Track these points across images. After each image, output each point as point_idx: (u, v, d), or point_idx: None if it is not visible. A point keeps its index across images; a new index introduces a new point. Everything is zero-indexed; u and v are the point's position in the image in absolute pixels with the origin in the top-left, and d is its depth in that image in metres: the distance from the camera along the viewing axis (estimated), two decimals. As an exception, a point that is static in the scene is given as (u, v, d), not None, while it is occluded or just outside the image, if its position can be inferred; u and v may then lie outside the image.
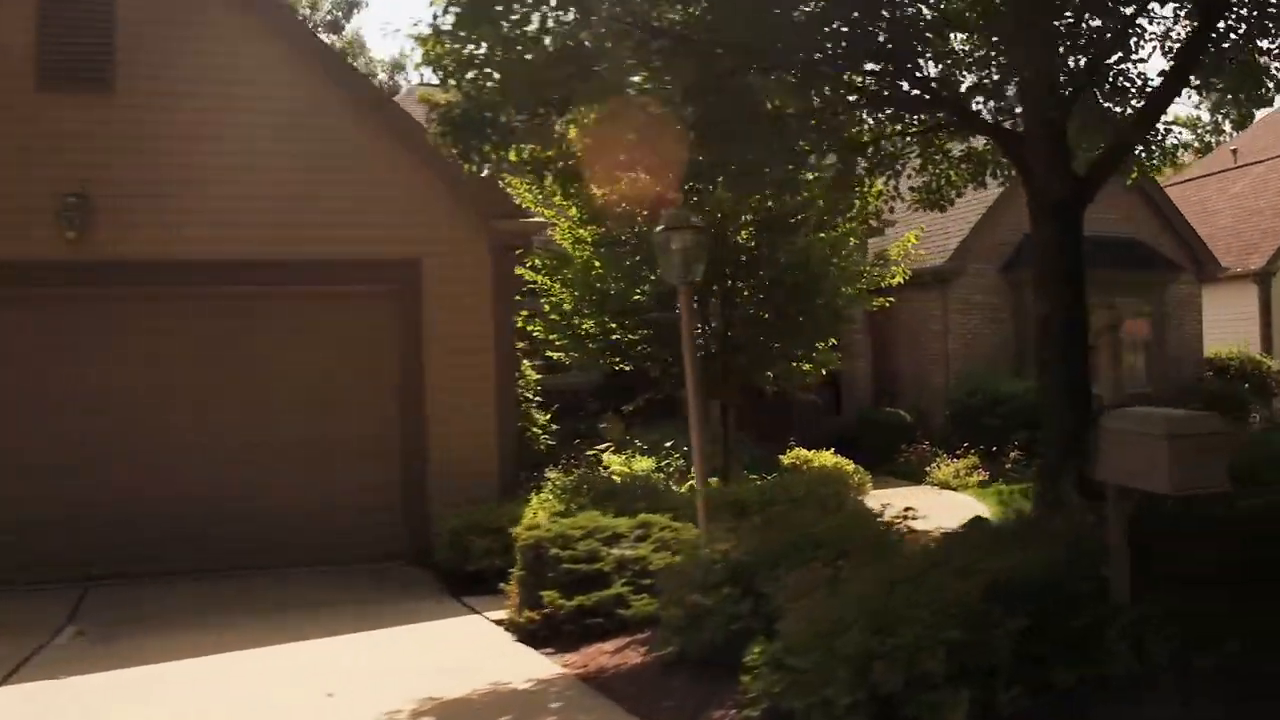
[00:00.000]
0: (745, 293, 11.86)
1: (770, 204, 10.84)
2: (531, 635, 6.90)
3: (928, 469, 15.23)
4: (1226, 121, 36.43)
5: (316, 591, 9.10)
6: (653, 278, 11.88)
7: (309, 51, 10.67)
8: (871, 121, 9.03)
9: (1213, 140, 37.28)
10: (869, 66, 7.53)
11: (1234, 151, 28.84)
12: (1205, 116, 51.20)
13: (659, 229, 7.12)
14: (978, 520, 7.84)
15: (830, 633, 4.36)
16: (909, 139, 9.16)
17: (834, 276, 11.61)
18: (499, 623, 7.47)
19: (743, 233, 11.61)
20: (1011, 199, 17.41)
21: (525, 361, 13.77)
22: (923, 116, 8.67)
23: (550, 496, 9.87)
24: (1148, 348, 18.32)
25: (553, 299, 12.38)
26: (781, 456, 15.02)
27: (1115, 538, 4.63)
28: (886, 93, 7.89)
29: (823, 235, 11.61)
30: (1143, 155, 9.40)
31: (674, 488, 13.78)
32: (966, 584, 4.42)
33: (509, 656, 6.73)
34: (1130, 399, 17.48)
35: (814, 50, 6.82)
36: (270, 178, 9.90)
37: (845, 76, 7.45)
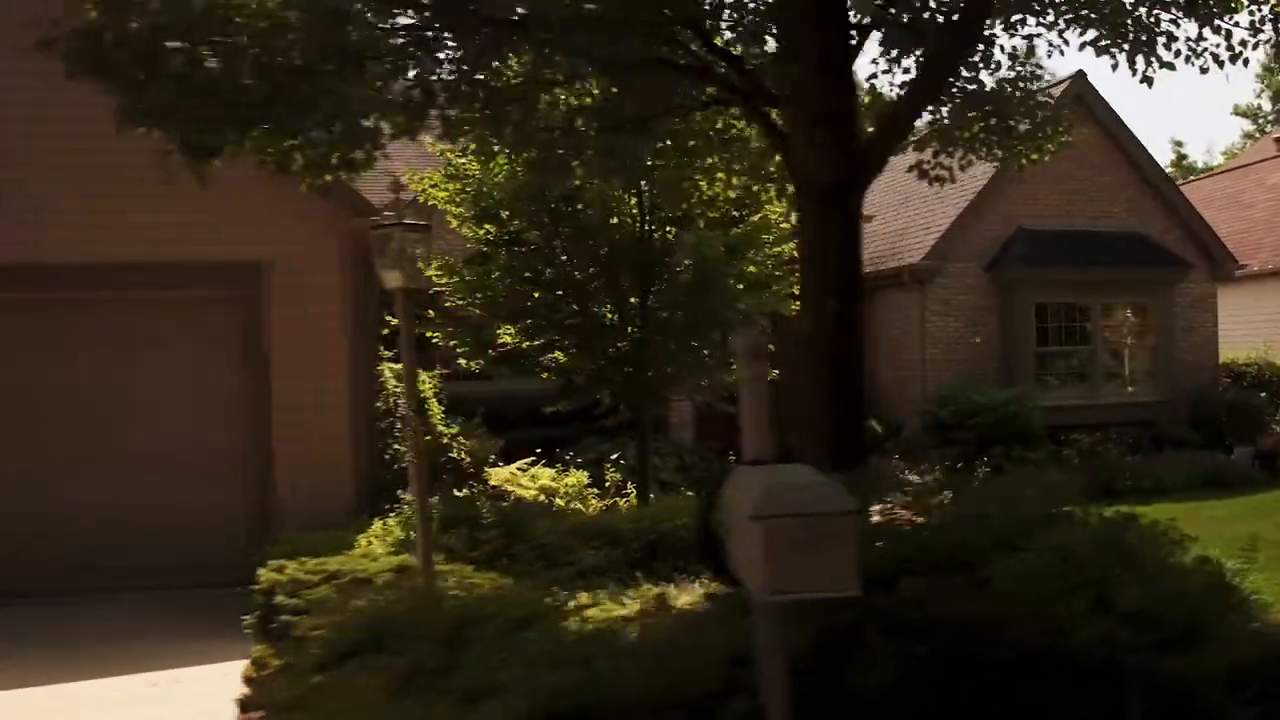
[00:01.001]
0: (652, 294, 10.65)
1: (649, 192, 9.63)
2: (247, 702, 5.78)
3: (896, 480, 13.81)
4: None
5: (134, 621, 8.31)
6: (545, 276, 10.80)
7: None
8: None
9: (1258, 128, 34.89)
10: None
11: (1278, 140, 26.81)
12: (1266, 105, 48.54)
13: (374, 226, 6.03)
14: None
15: None
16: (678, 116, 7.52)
17: (730, 280, 10.30)
18: (249, 680, 6.37)
19: (642, 228, 10.41)
20: (1000, 187, 15.98)
21: (432, 371, 12.83)
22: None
23: (393, 523, 8.80)
24: (1154, 354, 16.65)
25: (454, 301, 11.35)
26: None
27: (765, 649, 3.29)
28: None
29: (733, 232, 10.34)
30: (983, 130, 7.61)
31: (579, 506, 12.70)
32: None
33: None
34: (1119, 412, 15.94)
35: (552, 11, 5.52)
36: (87, 174, 8.94)
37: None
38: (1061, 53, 56.25)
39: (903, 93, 6.64)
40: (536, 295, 10.84)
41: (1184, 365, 17.00)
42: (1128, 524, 4.55)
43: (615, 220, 10.25)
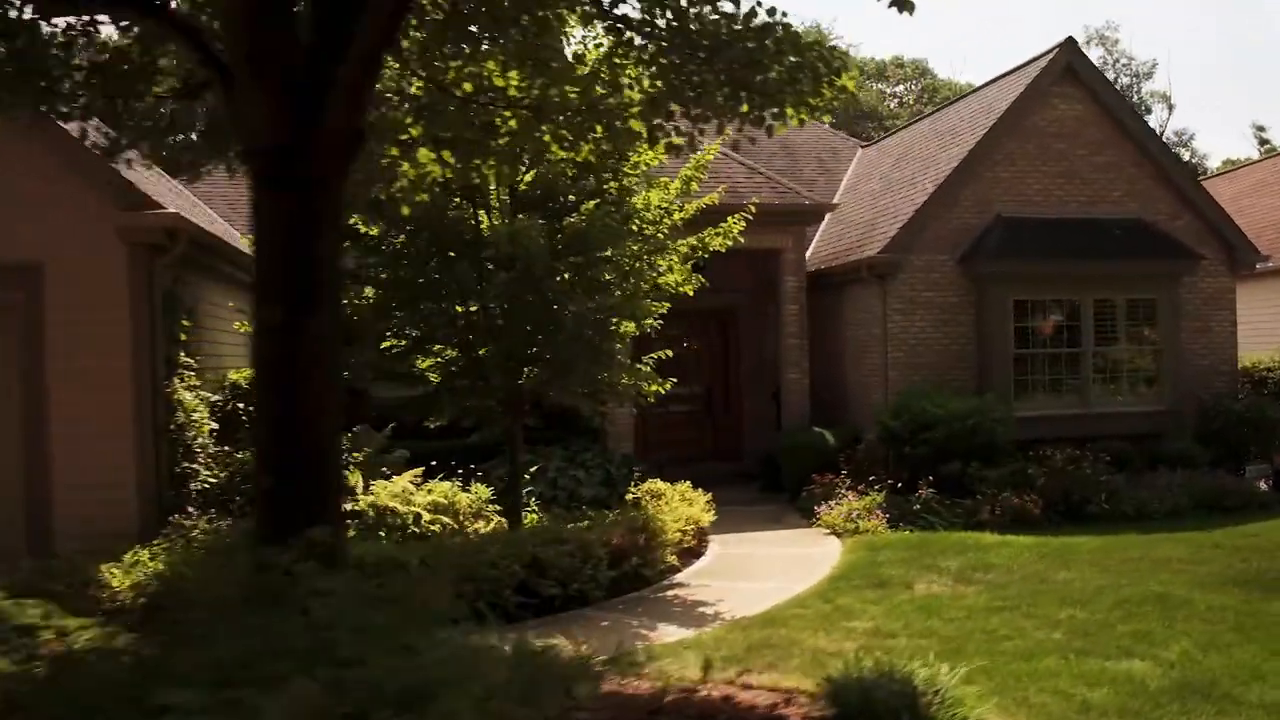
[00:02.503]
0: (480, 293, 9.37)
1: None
2: None
3: (829, 505, 12.26)
4: None
5: None
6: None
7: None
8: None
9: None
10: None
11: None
12: None
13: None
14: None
15: None
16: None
17: (564, 277, 8.93)
18: None
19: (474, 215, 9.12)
20: (975, 171, 14.29)
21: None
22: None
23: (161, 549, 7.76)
24: (1157, 357, 14.72)
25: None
26: (633, 489, 12.41)
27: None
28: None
29: (567, 221, 8.99)
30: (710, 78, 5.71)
31: (463, 525, 11.49)
32: None
33: None
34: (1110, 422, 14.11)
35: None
36: None
37: None
38: None
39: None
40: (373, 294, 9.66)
41: (1195, 370, 15.03)
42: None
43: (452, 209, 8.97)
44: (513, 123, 5.84)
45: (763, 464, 15.34)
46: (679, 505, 11.31)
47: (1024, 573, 8.93)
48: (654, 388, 10.99)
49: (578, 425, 15.31)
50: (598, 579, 8.89)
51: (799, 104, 5.35)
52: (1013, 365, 14.21)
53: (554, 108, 5.60)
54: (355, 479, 13.11)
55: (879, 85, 53.07)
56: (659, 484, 12.36)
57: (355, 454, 13.12)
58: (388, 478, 12.89)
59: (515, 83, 5.64)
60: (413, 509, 11.92)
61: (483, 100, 5.81)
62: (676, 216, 10.64)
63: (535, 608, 8.42)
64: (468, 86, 5.75)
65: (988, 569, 9.15)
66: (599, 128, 5.64)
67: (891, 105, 51.30)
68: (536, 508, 12.48)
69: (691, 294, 10.81)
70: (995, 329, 14.14)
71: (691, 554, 10.70)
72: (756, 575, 9.70)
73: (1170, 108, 51.80)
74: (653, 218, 10.19)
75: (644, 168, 9.90)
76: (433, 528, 11.56)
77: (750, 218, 11.07)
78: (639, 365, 10.85)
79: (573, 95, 5.57)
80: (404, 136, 6.01)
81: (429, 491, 12.60)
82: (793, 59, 5.22)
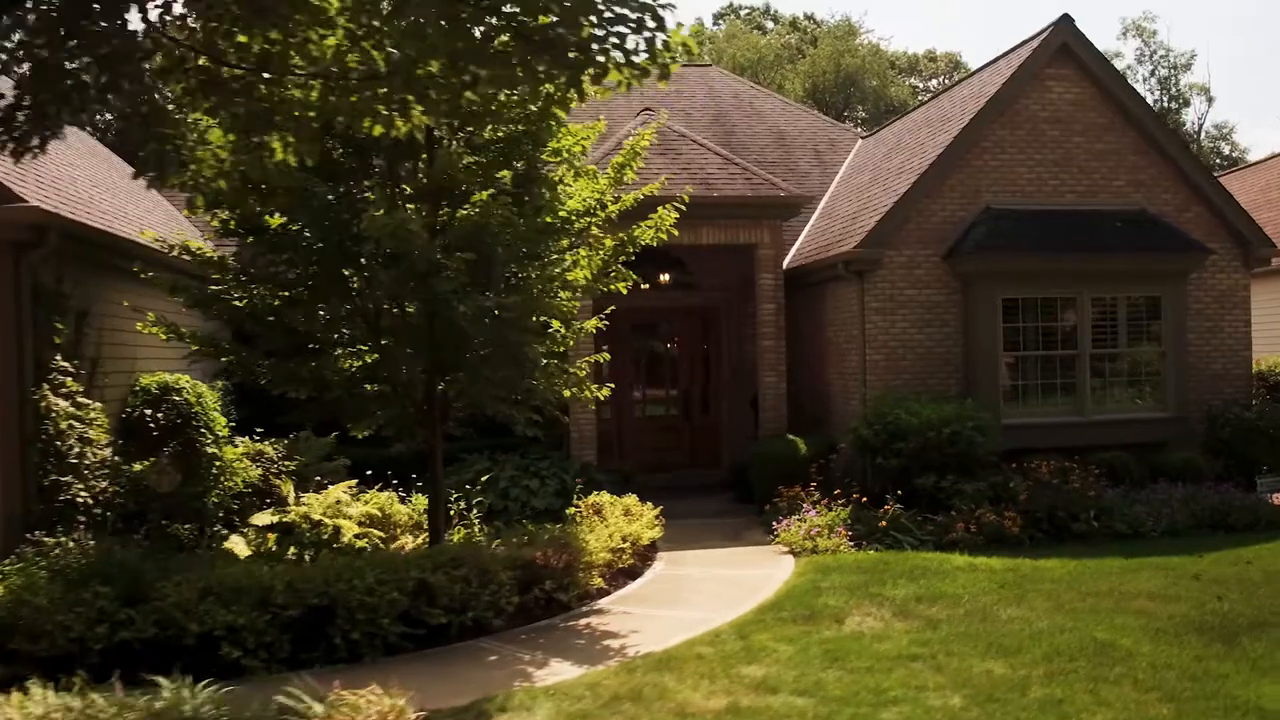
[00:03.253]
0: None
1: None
2: None
3: (791, 521, 11.31)
4: None
5: None
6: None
7: None
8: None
9: None
10: None
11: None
12: None
13: None
14: None
15: None
16: None
17: (450, 273, 8.07)
18: None
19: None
20: (962, 158, 13.31)
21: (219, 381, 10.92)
22: None
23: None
24: (1161, 359, 13.58)
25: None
26: (577, 502, 11.58)
27: None
28: None
29: (458, 215, 8.16)
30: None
31: (396, 538, 10.77)
32: None
33: None
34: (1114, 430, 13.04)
35: None
36: None
37: None
38: None
39: None
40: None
41: (1203, 374, 13.87)
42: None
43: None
44: (297, 92, 4.99)
45: (738, 473, 14.41)
46: (615, 522, 10.43)
47: (971, 606, 7.92)
48: (589, 394, 10.15)
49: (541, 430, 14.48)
50: (499, 606, 8.05)
51: (587, 69, 4.40)
52: (1002, 369, 13.16)
53: (284, 68, 4.74)
54: (287, 488, 12.41)
55: (911, 80, 51.73)
56: (604, 496, 11.50)
57: (288, 462, 12.44)
58: (324, 487, 12.19)
59: (258, 42, 4.78)
60: (338, 522, 11.19)
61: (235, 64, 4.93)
62: (612, 209, 9.78)
63: (423, 638, 7.61)
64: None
65: (935, 600, 8.16)
66: (380, 92, 4.75)
67: (923, 100, 49.93)
68: (476, 521, 11.69)
69: (625, 292, 9.93)
70: (983, 329, 13.09)
71: (628, 574, 9.84)
72: (685, 602, 8.81)
73: (1209, 100, 49.81)
74: (580, 208, 9.34)
75: (565, 154, 9.05)
76: (360, 542, 10.83)
77: (683, 209, 10.14)
78: (572, 370, 10.00)
79: (316, 52, 4.69)
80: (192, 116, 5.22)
81: (365, 502, 11.88)
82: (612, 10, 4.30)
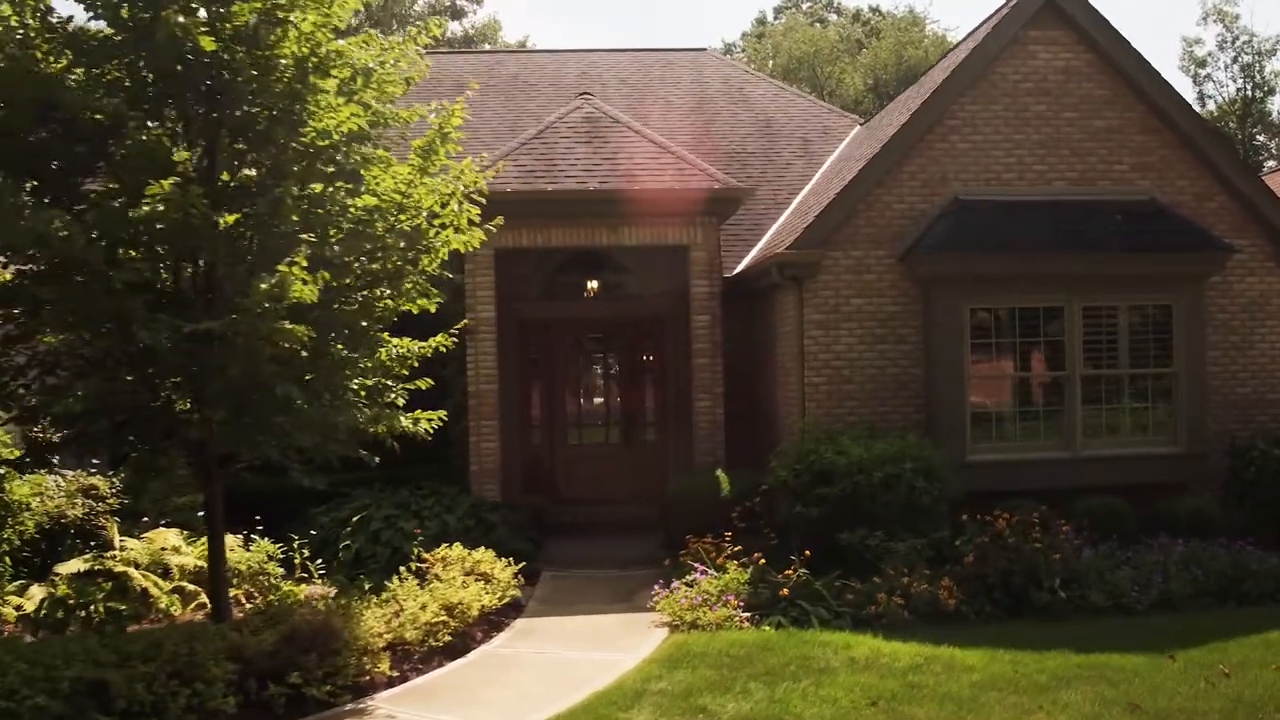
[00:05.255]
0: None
1: None
2: None
3: (679, 583, 9.23)
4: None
5: None
6: None
7: None
8: None
9: None
10: None
11: None
12: None
13: None
14: None
15: None
16: None
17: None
18: None
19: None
20: (924, 140, 11.14)
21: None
22: None
23: None
24: (1173, 381, 11.11)
25: None
26: (425, 555, 9.69)
27: None
28: None
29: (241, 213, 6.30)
30: None
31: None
32: None
33: None
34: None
35: None
36: None
37: None
38: None
39: None
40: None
41: (1229, 400, 11.38)
42: None
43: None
44: None
45: (666, 512, 12.36)
46: (446, 587, 8.52)
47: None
48: (408, 425, 8.24)
49: (446, 459, 12.64)
50: (205, 709, 6.22)
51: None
52: (969, 395, 10.87)
53: None
54: (112, 530, 10.78)
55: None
56: (455, 550, 9.59)
57: (111, 500, 10.80)
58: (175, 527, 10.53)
59: None
60: (145, 578, 9.50)
61: None
62: (429, 202, 7.86)
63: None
64: None
65: (766, 726, 6.06)
66: None
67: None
68: (319, 576, 9.91)
69: (433, 310, 8.00)
70: (946, 346, 10.82)
71: (449, 653, 7.91)
72: (482, 700, 6.85)
73: (1299, 88, 45.65)
74: (379, 205, 7.45)
75: (336, 137, 7.16)
76: (172, 600, 9.19)
77: (483, 202, 8.14)
78: (384, 400, 8.13)
79: None
80: None
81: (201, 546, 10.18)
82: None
